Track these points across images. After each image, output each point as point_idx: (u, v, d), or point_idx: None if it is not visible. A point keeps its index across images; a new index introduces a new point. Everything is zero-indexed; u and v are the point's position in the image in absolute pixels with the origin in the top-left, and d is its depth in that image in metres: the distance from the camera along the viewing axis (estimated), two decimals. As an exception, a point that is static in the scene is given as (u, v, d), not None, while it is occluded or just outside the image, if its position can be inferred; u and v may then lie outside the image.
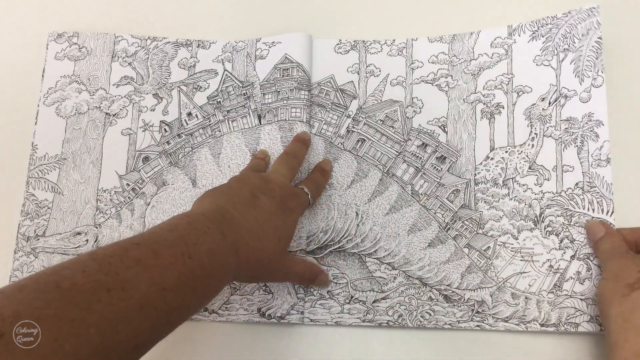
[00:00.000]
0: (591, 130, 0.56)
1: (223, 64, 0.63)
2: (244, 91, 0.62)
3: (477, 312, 0.53)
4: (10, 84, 0.65)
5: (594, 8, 0.57)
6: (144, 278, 0.34)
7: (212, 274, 0.39)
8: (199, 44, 0.64)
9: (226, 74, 0.63)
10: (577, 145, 0.56)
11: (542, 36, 0.59)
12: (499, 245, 0.55)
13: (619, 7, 0.59)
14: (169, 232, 0.38)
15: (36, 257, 0.58)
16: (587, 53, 0.57)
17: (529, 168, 0.56)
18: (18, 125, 0.63)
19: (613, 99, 0.56)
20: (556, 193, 0.55)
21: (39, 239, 0.58)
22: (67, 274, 0.32)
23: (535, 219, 0.55)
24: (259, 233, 0.44)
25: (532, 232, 0.55)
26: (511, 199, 0.56)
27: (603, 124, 0.55)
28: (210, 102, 0.62)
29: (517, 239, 0.55)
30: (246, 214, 0.44)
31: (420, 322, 0.53)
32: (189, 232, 0.39)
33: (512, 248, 0.55)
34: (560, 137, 0.56)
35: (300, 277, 0.53)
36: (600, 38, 0.57)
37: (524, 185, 0.56)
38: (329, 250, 0.57)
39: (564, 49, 0.58)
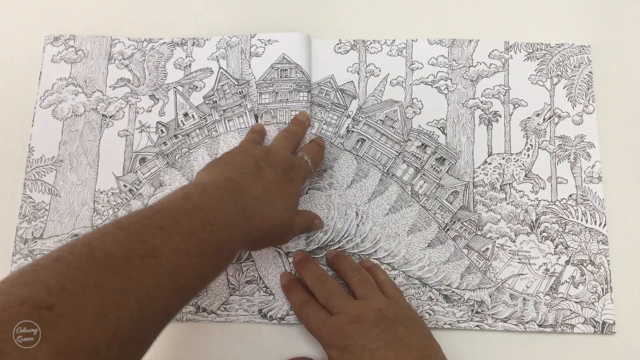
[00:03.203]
0: (583, 150, 0.58)
1: (218, 61, 0.62)
2: (240, 89, 0.61)
3: (477, 312, 0.54)
4: (6, 86, 0.62)
5: (585, 47, 0.61)
6: (170, 245, 0.34)
7: (230, 239, 0.40)
8: (194, 42, 0.63)
9: (221, 72, 0.61)
10: (570, 161, 0.58)
11: (537, 59, 0.61)
12: (497, 247, 0.56)
13: (608, 46, 0.62)
14: (184, 201, 0.38)
15: (33, 260, 0.57)
16: (578, 83, 0.60)
17: (525, 176, 0.58)
18: (15, 128, 0.61)
19: (603, 126, 0.59)
20: (551, 202, 0.57)
21: (36, 241, 0.57)
22: (97, 245, 0.32)
23: (532, 224, 0.57)
24: (267, 201, 0.45)
25: (528, 236, 0.56)
26: (508, 203, 0.57)
27: (594, 146, 0.58)
28: (207, 102, 0.61)
29: (514, 242, 0.56)
30: (252, 183, 0.45)
31: (420, 322, 0.54)
32: (204, 200, 0.39)
33: (509, 250, 0.56)
34: (554, 152, 0.59)
35: (300, 230, 0.53)
36: (590, 72, 0.60)
37: (520, 191, 0.58)
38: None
39: (557, 75, 0.60)
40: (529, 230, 0.56)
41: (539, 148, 0.59)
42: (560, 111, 0.59)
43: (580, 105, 0.59)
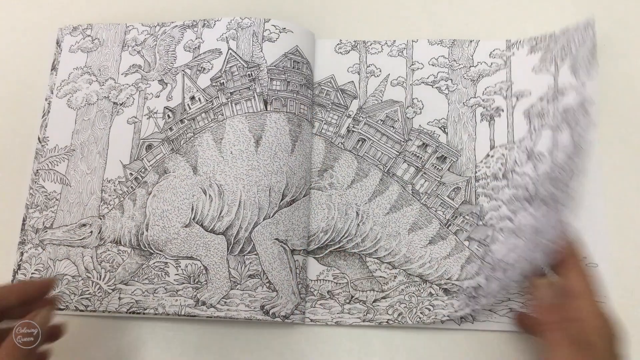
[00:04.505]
0: (581, 106, 0.53)
1: (227, 42, 0.62)
2: (249, 72, 0.60)
3: (473, 296, 0.53)
4: (18, 76, 0.64)
5: (589, 22, 0.58)
6: None
7: None
8: (204, 24, 0.63)
9: (230, 53, 0.61)
10: (571, 127, 0.54)
11: (541, 50, 0.60)
12: (497, 232, 0.55)
13: (608, 45, 0.63)
14: None
15: (44, 249, 0.57)
16: (583, 55, 0.57)
17: (527, 158, 0.56)
18: (24, 118, 0.62)
19: (604, 126, 0.59)
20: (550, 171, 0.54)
21: (46, 231, 0.58)
22: None
23: (530, 198, 0.54)
24: None
25: (526, 210, 0.54)
26: (510, 188, 0.56)
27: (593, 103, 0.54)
28: (214, 84, 0.60)
29: (513, 221, 0.54)
30: None
31: (420, 318, 0.53)
32: None
33: (508, 229, 0.54)
34: (557, 126, 0.55)
35: None
36: (595, 45, 0.57)
37: (523, 174, 0.55)
38: (329, 250, 0.57)
39: (562, 58, 0.59)
40: (528, 205, 0.53)
41: (541, 128, 0.56)
42: (564, 87, 0.56)
43: (584, 74, 0.55)
